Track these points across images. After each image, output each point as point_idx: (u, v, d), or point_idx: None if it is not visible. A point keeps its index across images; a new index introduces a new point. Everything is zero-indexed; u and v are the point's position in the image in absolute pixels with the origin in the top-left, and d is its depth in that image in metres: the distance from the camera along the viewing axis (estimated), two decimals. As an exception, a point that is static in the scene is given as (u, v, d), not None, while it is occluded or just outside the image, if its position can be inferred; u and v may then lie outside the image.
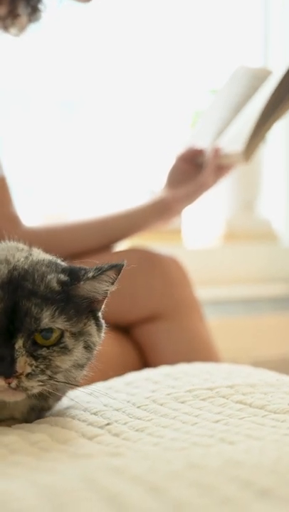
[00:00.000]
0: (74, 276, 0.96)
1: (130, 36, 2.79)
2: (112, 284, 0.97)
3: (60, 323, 0.92)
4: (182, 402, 1.05)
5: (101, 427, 0.92)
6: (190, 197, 1.74)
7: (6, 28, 1.53)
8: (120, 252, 1.74)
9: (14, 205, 1.68)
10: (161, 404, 1.04)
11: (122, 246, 1.81)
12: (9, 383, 0.88)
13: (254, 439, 0.87)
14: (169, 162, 1.81)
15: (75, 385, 0.98)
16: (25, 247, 1.03)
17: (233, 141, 1.70)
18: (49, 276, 0.94)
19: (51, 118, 2.75)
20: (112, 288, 0.98)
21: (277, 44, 2.89)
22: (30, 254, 0.99)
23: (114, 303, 1.02)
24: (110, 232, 1.73)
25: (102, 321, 1.00)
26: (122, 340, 1.65)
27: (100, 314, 0.99)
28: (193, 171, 1.76)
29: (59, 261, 1.02)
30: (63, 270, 0.97)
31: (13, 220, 1.67)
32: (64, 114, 2.79)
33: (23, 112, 2.71)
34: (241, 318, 2.64)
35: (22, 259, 0.96)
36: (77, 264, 1.03)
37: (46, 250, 1.68)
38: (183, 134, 2.70)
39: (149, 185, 2.50)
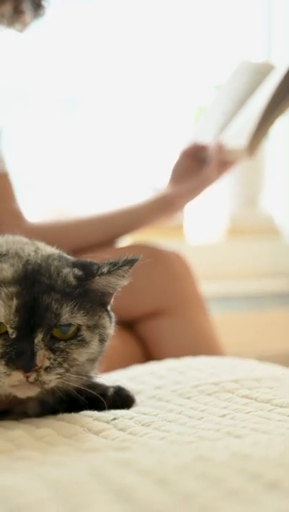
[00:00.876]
0: (87, 270, 0.96)
1: (133, 32, 2.79)
2: (126, 278, 0.97)
3: (78, 318, 0.92)
4: (188, 398, 1.05)
5: (107, 422, 0.92)
6: (193, 192, 1.74)
7: (10, 25, 1.53)
8: (124, 247, 1.74)
9: (17, 200, 1.68)
10: (167, 401, 1.04)
11: (125, 242, 1.81)
12: (27, 377, 0.88)
13: (261, 432, 0.87)
14: (173, 158, 1.81)
15: (87, 378, 0.98)
16: (29, 241, 1.02)
17: (237, 136, 1.70)
18: (64, 271, 0.94)
19: (54, 114, 2.75)
20: (126, 282, 0.98)
21: (281, 39, 2.88)
22: (38, 248, 0.99)
23: (118, 298, 1.02)
24: (113, 227, 1.73)
25: (112, 314, 1.00)
26: (126, 336, 1.66)
27: (109, 307, 0.99)
28: (197, 166, 1.76)
29: (65, 254, 1.02)
30: (75, 264, 0.97)
31: (16, 216, 1.67)
32: (66, 110, 2.79)
33: (26, 108, 2.71)
34: (244, 314, 2.64)
35: (32, 253, 0.96)
36: (85, 257, 1.03)
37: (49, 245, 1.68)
38: (186, 129, 2.70)
39: (152, 182, 2.50)
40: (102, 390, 1.01)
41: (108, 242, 1.73)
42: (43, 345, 0.89)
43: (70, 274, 0.94)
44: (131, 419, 0.94)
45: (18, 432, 0.88)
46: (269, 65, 1.79)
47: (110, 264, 0.96)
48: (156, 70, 2.83)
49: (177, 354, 1.48)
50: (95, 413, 0.96)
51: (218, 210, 2.78)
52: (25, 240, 1.02)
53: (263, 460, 0.68)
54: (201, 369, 1.21)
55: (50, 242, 1.68)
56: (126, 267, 0.97)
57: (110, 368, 1.29)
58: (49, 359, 0.89)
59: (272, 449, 0.74)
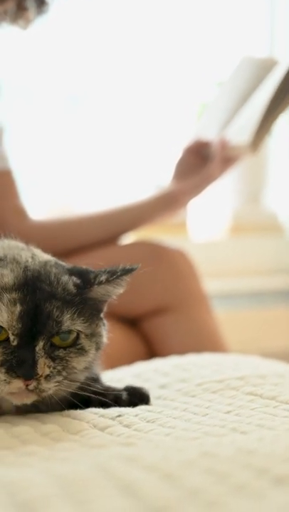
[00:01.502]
0: (85, 279, 0.95)
1: (136, 29, 2.78)
2: (123, 286, 0.97)
3: (78, 326, 0.92)
4: (192, 396, 1.05)
5: (112, 419, 0.92)
6: (197, 189, 1.74)
7: (13, 22, 1.53)
8: (127, 244, 1.74)
9: (20, 197, 1.69)
10: (172, 400, 1.04)
11: (128, 239, 1.81)
12: (27, 385, 0.87)
13: (266, 428, 0.87)
14: (176, 154, 1.81)
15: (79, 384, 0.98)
16: (25, 246, 1.02)
17: (240, 132, 1.70)
18: (63, 278, 0.94)
19: (56, 111, 2.74)
20: (122, 290, 0.98)
21: (284, 35, 2.88)
22: (35, 254, 0.98)
23: (122, 296, 1.01)
24: (117, 224, 1.73)
25: (105, 321, 1.00)
26: (130, 333, 1.65)
27: (102, 315, 0.99)
28: (200, 163, 1.76)
29: (60, 261, 1.01)
30: (72, 272, 0.96)
31: (19, 213, 1.67)
32: (69, 107, 2.79)
33: (29, 105, 2.71)
34: (247, 311, 2.64)
35: (30, 260, 0.95)
36: (73, 262, 1.03)
37: (53, 243, 1.69)
38: (189, 126, 2.70)
39: (155, 179, 2.50)
40: (115, 395, 1.01)
41: (111, 239, 1.73)
42: (43, 353, 0.89)
43: (69, 281, 0.94)
44: (136, 416, 0.94)
45: (23, 428, 0.88)
46: (272, 60, 1.78)
47: (108, 272, 0.96)
48: (159, 66, 2.83)
49: (181, 351, 1.48)
50: (100, 410, 0.96)
51: (221, 208, 2.78)
52: (21, 245, 1.02)
53: (268, 455, 0.68)
54: (206, 366, 1.21)
55: (53, 239, 1.69)
56: (125, 277, 0.96)
57: (114, 365, 1.29)
58: (49, 367, 0.89)
59: (277, 445, 0.73)
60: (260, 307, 2.67)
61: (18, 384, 0.87)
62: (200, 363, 1.24)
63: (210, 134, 1.77)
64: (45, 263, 0.96)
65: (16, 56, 2.53)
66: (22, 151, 2.60)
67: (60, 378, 0.90)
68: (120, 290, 0.97)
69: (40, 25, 1.65)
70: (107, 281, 0.95)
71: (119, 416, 0.93)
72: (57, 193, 2.73)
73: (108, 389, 1.01)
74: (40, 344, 0.88)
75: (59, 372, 0.90)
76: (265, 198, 2.84)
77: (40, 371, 0.87)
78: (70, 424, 0.90)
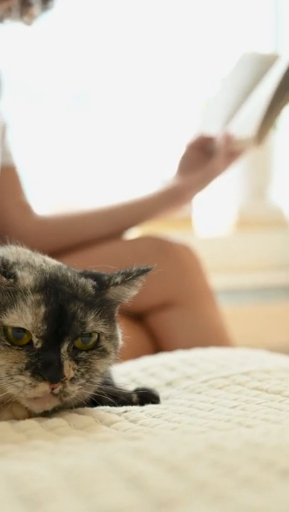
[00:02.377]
0: (100, 281, 0.95)
1: (139, 26, 2.78)
2: (138, 287, 0.97)
3: (101, 327, 0.92)
4: (198, 393, 1.05)
5: (118, 414, 0.93)
6: (201, 183, 1.74)
7: (17, 18, 1.53)
8: (132, 239, 1.74)
9: (26, 193, 1.69)
10: (178, 398, 1.04)
11: (134, 234, 1.81)
12: (53, 389, 0.86)
13: (272, 422, 0.87)
14: (180, 150, 1.80)
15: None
16: (32, 252, 1.01)
17: (244, 126, 1.69)
18: (81, 281, 0.93)
19: (61, 108, 2.74)
20: (136, 292, 0.98)
21: (288, 30, 2.87)
22: (45, 259, 0.98)
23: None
24: (122, 219, 1.73)
25: (117, 324, 0.99)
26: (136, 328, 1.66)
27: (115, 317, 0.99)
28: (204, 158, 1.76)
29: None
30: (85, 275, 0.96)
31: (25, 209, 1.67)
32: (74, 104, 2.79)
33: (33, 102, 2.71)
34: (253, 306, 2.64)
35: (43, 263, 0.95)
36: (79, 258, 1.03)
37: (58, 238, 1.69)
38: (193, 122, 2.70)
39: (160, 175, 2.49)
40: (125, 397, 1.01)
41: (116, 234, 1.73)
42: (68, 356, 0.88)
43: (87, 283, 0.93)
44: (142, 411, 0.94)
45: (29, 422, 0.88)
46: (273, 55, 1.78)
47: (123, 274, 0.95)
48: (163, 63, 2.83)
49: (186, 346, 1.48)
50: (107, 407, 0.96)
51: (227, 203, 2.77)
52: (28, 251, 1.01)
53: (275, 449, 0.68)
54: (212, 361, 1.21)
55: (58, 235, 1.70)
56: (140, 277, 0.96)
57: (120, 359, 1.29)
58: (74, 370, 0.88)
59: (284, 439, 0.73)
60: (265, 302, 2.67)
61: (43, 387, 0.86)
62: (206, 357, 1.24)
63: (213, 129, 1.77)
64: (59, 267, 0.96)
65: (21, 53, 2.53)
66: (27, 148, 2.61)
67: (83, 381, 0.89)
68: (135, 291, 0.97)
69: (45, 21, 1.65)
70: (123, 282, 0.95)
71: (125, 412, 0.93)
72: (61, 189, 2.73)
73: (120, 391, 1.01)
74: (65, 346, 0.87)
75: (82, 375, 0.89)
76: (271, 193, 2.84)
77: (66, 373, 0.86)
78: (76, 419, 0.90)
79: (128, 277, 0.95)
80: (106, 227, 1.71)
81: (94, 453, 0.71)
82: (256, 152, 2.54)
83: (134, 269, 0.96)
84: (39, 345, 0.86)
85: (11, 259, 0.94)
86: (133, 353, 1.46)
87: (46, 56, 2.67)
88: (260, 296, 2.67)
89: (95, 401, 0.97)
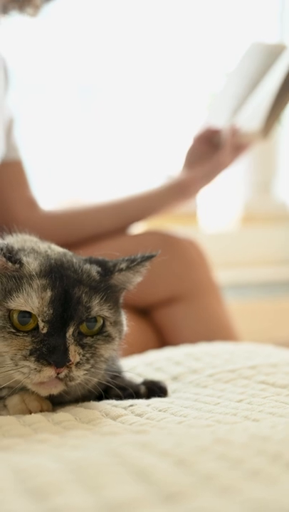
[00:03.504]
0: (105, 267, 0.95)
1: (146, 20, 2.78)
2: (143, 274, 0.98)
3: (106, 312, 0.92)
4: (204, 387, 1.05)
5: (124, 408, 0.93)
6: (207, 177, 1.73)
7: (21, 9, 1.52)
8: (138, 234, 1.74)
9: (31, 188, 1.68)
10: (184, 392, 1.04)
11: (139, 228, 1.81)
12: (58, 373, 0.86)
13: (278, 416, 0.87)
14: (186, 144, 1.80)
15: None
16: (38, 239, 1.02)
17: (250, 119, 1.69)
18: (86, 266, 0.94)
19: (68, 103, 2.74)
20: (140, 278, 0.98)
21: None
22: (50, 246, 0.98)
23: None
24: (128, 213, 1.72)
25: (122, 310, 0.99)
26: (141, 322, 1.65)
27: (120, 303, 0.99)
28: (211, 151, 1.75)
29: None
30: (90, 261, 0.96)
31: (30, 203, 1.67)
32: (80, 99, 2.79)
33: (41, 97, 2.71)
34: (258, 301, 2.64)
35: (48, 250, 0.95)
36: (85, 252, 1.03)
37: (64, 233, 1.69)
38: (199, 115, 2.69)
39: (166, 170, 2.49)
40: (133, 389, 1.01)
41: (123, 228, 1.73)
42: (73, 340, 0.88)
43: (92, 269, 0.94)
44: (148, 405, 0.94)
45: (36, 417, 0.88)
46: (281, 45, 1.77)
47: (128, 260, 0.96)
48: (170, 57, 2.82)
49: (192, 340, 1.48)
50: (113, 401, 0.96)
51: (232, 198, 2.77)
52: (34, 238, 1.02)
53: (282, 441, 0.68)
54: (217, 355, 1.21)
55: (64, 229, 1.69)
56: (145, 263, 0.97)
57: (126, 353, 1.29)
58: (79, 354, 0.88)
59: (290, 432, 0.73)
60: (271, 297, 2.67)
61: (49, 372, 0.86)
62: (212, 351, 1.24)
63: (220, 122, 1.76)
64: (64, 253, 0.96)
65: (30, 47, 2.53)
66: (33, 143, 2.60)
67: (88, 366, 0.90)
68: (139, 278, 0.98)
69: (50, 14, 1.65)
70: (128, 268, 0.96)
71: (131, 406, 0.93)
72: (67, 184, 2.73)
73: (128, 384, 1.01)
74: (71, 330, 0.88)
75: (87, 360, 0.90)
76: (276, 188, 2.83)
77: (72, 358, 0.87)
78: (83, 413, 0.90)
79: (133, 263, 0.96)
80: (112, 222, 1.71)
81: (100, 446, 0.71)
82: (261, 148, 2.54)
83: (139, 255, 0.97)
84: (45, 330, 0.87)
85: (16, 246, 0.94)
86: (139, 348, 1.46)
87: (52, 50, 2.66)
88: (266, 291, 2.67)
89: (101, 394, 0.97)
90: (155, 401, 0.97)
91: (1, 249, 0.89)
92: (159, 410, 0.92)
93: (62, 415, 0.89)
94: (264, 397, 0.97)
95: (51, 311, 0.87)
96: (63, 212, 1.72)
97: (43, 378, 0.86)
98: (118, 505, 0.54)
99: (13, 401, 0.92)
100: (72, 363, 0.87)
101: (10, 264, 0.89)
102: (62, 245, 0.99)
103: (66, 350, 0.86)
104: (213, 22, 2.87)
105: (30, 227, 1.63)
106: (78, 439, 0.78)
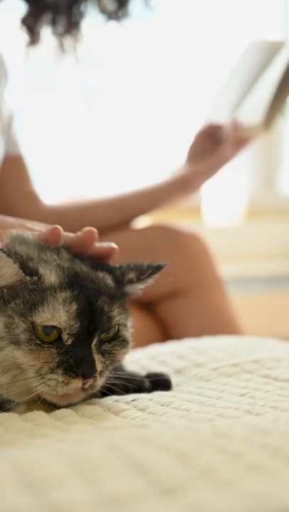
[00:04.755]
0: (112, 275, 0.94)
1: (148, 18, 2.77)
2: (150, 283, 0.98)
3: (123, 319, 0.92)
4: (207, 381, 1.05)
5: (127, 403, 0.92)
6: (210, 171, 1.73)
7: None
8: (142, 228, 1.74)
9: (33, 183, 1.68)
10: (188, 385, 1.04)
11: (143, 223, 1.81)
12: (84, 384, 0.86)
13: (280, 410, 0.86)
14: (189, 139, 1.80)
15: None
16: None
17: (252, 113, 1.69)
18: (99, 275, 0.93)
19: (71, 98, 2.74)
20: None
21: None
22: (72, 261, 0.95)
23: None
24: (130, 208, 1.72)
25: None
26: (145, 316, 1.65)
27: None
28: (213, 146, 1.75)
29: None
30: (96, 268, 0.95)
31: (32, 199, 1.67)
32: (84, 95, 2.79)
33: (44, 93, 2.71)
34: (263, 295, 2.63)
35: (56, 258, 0.92)
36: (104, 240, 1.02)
37: (66, 228, 1.68)
38: (202, 111, 2.69)
39: (169, 164, 2.49)
40: (137, 384, 1.01)
41: (125, 223, 1.72)
42: (96, 350, 0.88)
43: (106, 277, 0.93)
44: (150, 400, 0.94)
45: (37, 412, 0.88)
46: (280, 42, 1.77)
47: (136, 270, 0.96)
48: (172, 53, 2.82)
49: (196, 334, 1.48)
50: (115, 396, 0.96)
51: (236, 192, 2.76)
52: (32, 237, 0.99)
53: (283, 435, 0.68)
54: (221, 349, 1.21)
55: (66, 223, 1.68)
56: (155, 275, 0.97)
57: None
58: (101, 363, 0.88)
59: (292, 426, 0.73)
60: (275, 291, 2.66)
61: (76, 384, 0.85)
62: (215, 345, 1.24)
63: (222, 117, 1.77)
64: (72, 259, 0.94)
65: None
66: (37, 139, 2.60)
67: (107, 373, 0.90)
68: (146, 286, 0.98)
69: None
70: (138, 280, 0.95)
71: (133, 400, 0.93)
72: (71, 180, 2.73)
73: (131, 377, 1.01)
74: (95, 341, 0.87)
75: (107, 367, 0.90)
76: (280, 181, 2.83)
77: (98, 368, 0.87)
78: (85, 408, 0.90)
79: (142, 275, 0.96)
80: (115, 216, 1.71)
81: (101, 440, 0.70)
82: (265, 141, 2.54)
83: (146, 265, 0.97)
84: (69, 342, 0.86)
85: (20, 251, 0.91)
86: (142, 342, 1.46)
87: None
88: (270, 285, 2.66)
89: (105, 390, 0.97)
90: (157, 395, 0.97)
91: (20, 263, 0.87)
92: (162, 405, 0.92)
93: (65, 411, 0.88)
94: (267, 391, 0.97)
95: (78, 324, 0.86)
96: (65, 206, 1.72)
97: (70, 390, 0.86)
98: (117, 499, 0.54)
99: (20, 410, 0.92)
100: (98, 373, 0.87)
101: (28, 278, 0.87)
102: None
103: (93, 361, 0.86)
104: (216, 19, 2.87)
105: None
106: (80, 433, 0.78)
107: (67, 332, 0.86)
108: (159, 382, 1.02)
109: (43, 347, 0.85)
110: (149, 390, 1.00)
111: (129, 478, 0.58)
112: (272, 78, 1.67)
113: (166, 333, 1.68)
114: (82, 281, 0.89)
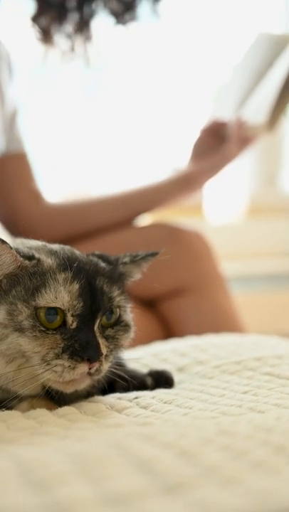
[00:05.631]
0: (106, 260, 0.95)
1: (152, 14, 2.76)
2: (143, 271, 0.98)
3: (122, 301, 0.92)
4: (210, 378, 1.05)
5: (129, 400, 0.93)
6: (214, 169, 1.73)
7: None
8: (144, 226, 1.74)
9: (36, 181, 1.68)
10: (190, 383, 1.04)
11: (145, 221, 1.80)
12: (90, 368, 0.86)
13: (283, 407, 0.86)
14: (193, 137, 1.80)
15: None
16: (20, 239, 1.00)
17: (256, 111, 1.68)
18: (94, 259, 0.93)
19: (74, 96, 2.74)
20: (139, 276, 0.99)
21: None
22: (45, 244, 0.96)
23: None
24: (133, 206, 1.72)
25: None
26: (147, 314, 1.65)
27: None
28: (217, 143, 1.75)
29: None
30: (91, 255, 0.96)
31: (35, 196, 1.67)
32: (87, 92, 2.78)
33: (47, 90, 2.71)
34: (265, 293, 2.63)
35: (54, 247, 0.94)
36: (90, 244, 1.03)
37: (69, 225, 1.69)
38: (206, 108, 2.69)
39: (172, 162, 2.49)
40: (139, 381, 1.01)
41: (128, 220, 1.72)
42: (99, 333, 0.87)
43: (99, 261, 0.93)
44: (153, 398, 0.94)
45: (40, 410, 0.88)
46: (287, 36, 1.76)
47: (131, 255, 0.96)
48: (177, 50, 2.81)
49: (198, 332, 1.48)
50: (118, 394, 0.96)
51: (238, 190, 2.76)
52: (31, 240, 0.99)
53: (286, 433, 0.68)
54: (223, 347, 1.21)
55: (69, 222, 1.69)
56: (149, 258, 0.97)
57: (132, 345, 1.29)
58: (106, 347, 0.88)
59: (295, 423, 0.73)
60: (277, 289, 2.66)
61: (83, 368, 0.85)
62: (217, 343, 1.24)
63: (226, 115, 1.76)
64: (70, 249, 0.95)
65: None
66: (40, 136, 2.60)
67: (111, 358, 0.90)
68: (139, 275, 0.98)
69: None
70: (132, 261, 0.96)
71: (136, 398, 0.93)
72: (74, 178, 2.73)
73: (134, 375, 1.01)
74: (97, 323, 0.87)
75: (111, 352, 0.89)
76: (282, 180, 2.83)
77: (103, 351, 0.86)
78: (87, 406, 0.90)
79: (136, 258, 0.96)
80: (117, 214, 1.71)
81: (104, 438, 0.70)
82: (267, 140, 2.53)
83: (141, 252, 0.97)
84: (74, 325, 0.86)
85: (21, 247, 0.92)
86: (144, 340, 1.46)
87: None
88: (272, 283, 2.66)
89: (106, 388, 0.97)
90: (160, 393, 0.97)
91: (16, 250, 0.87)
92: (164, 402, 0.92)
93: (67, 409, 0.88)
94: (269, 388, 0.97)
95: (81, 304, 0.86)
96: (68, 204, 1.72)
97: (77, 375, 0.85)
98: (121, 497, 0.54)
99: (22, 408, 0.91)
100: (103, 356, 0.87)
101: (27, 261, 0.87)
102: (67, 237, 0.99)
103: (98, 344, 0.86)
104: (220, 13, 2.86)
105: (35, 219, 1.65)
106: (83, 431, 0.78)
107: (70, 313, 0.86)
108: (162, 380, 1.02)
109: (47, 333, 0.85)
110: (152, 388, 1.00)
111: (133, 476, 0.58)
112: (277, 76, 1.66)
113: (168, 331, 1.68)
114: (78, 263, 0.89)
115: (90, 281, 0.88)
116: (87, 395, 0.95)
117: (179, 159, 1.88)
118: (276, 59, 1.71)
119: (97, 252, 0.97)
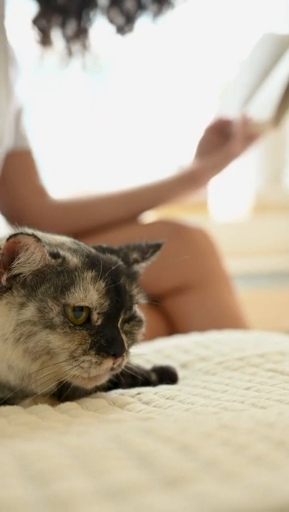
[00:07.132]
0: (117, 256, 0.95)
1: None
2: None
3: (141, 299, 0.93)
4: (213, 375, 1.05)
5: (132, 396, 0.93)
6: (218, 167, 1.73)
7: None
8: (148, 223, 1.74)
9: (41, 177, 1.68)
10: (193, 379, 1.04)
11: (150, 218, 1.80)
12: (114, 363, 0.87)
13: (285, 403, 0.86)
14: (198, 134, 1.79)
15: None
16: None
17: (261, 109, 1.68)
18: (113, 257, 0.93)
19: (79, 93, 2.74)
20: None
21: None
22: (74, 241, 0.97)
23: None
24: (138, 203, 1.72)
25: None
26: (151, 311, 1.65)
27: None
28: (222, 141, 1.74)
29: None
30: (102, 250, 0.96)
31: (40, 193, 1.67)
32: (92, 89, 2.78)
33: (50, 87, 2.71)
34: (270, 290, 2.63)
35: (68, 242, 0.94)
36: (95, 241, 1.03)
37: (73, 222, 1.69)
38: (211, 106, 2.68)
39: (177, 159, 2.48)
40: (143, 377, 1.01)
41: (133, 217, 1.72)
42: (121, 329, 0.89)
43: (117, 258, 0.94)
44: (155, 393, 0.94)
45: (42, 406, 0.88)
46: None
47: (138, 250, 0.97)
48: (182, 47, 2.81)
49: (202, 329, 1.48)
50: (120, 390, 0.96)
51: (243, 187, 2.76)
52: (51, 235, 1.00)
53: (287, 428, 0.68)
54: (226, 343, 1.20)
55: (74, 218, 1.69)
56: (157, 253, 0.98)
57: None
58: (127, 342, 0.89)
59: (297, 419, 0.73)
60: (282, 286, 2.66)
61: (108, 363, 0.86)
62: (221, 339, 1.24)
63: (232, 112, 1.76)
64: (83, 245, 0.95)
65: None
66: (44, 133, 2.60)
67: (130, 353, 0.91)
68: (147, 265, 0.99)
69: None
70: (143, 259, 0.97)
71: (138, 394, 0.93)
72: (78, 175, 2.73)
73: (138, 371, 1.01)
74: (120, 320, 0.89)
75: (129, 347, 0.91)
76: (287, 177, 2.82)
77: (126, 347, 0.88)
78: (89, 402, 0.90)
79: (146, 255, 0.97)
80: (122, 211, 1.71)
81: (105, 432, 0.70)
82: (273, 137, 2.53)
83: (145, 245, 0.99)
84: (99, 322, 0.87)
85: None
86: (148, 336, 1.45)
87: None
88: (277, 280, 2.66)
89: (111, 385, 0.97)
90: (163, 389, 0.97)
91: (44, 246, 0.87)
92: (167, 398, 0.92)
93: (69, 404, 0.88)
94: (272, 384, 0.97)
95: (108, 302, 0.87)
96: (73, 200, 1.72)
97: (102, 371, 0.87)
98: (120, 490, 0.54)
99: (25, 404, 0.91)
100: (126, 352, 0.88)
101: (53, 260, 0.87)
102: (72, 234, 0.98)
103: (122, 340, 0.87)
104: (226, 11, 2.86)
105: (40, 215, 1.65)
106: (84, 426, 0.78)
107: (97, 311, 0.87)
108: (165, 375, 1.03)
109: (76, 329, 0.86)
110: (156, 383, 1.00)
111: (132, 470, 0.58)
112: (282, 73, 1.66)
113: (172, 327, 1.67)
114: (101, 262, 0.89)
115: (114, 279, 0.88)
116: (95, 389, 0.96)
117: (183, 157, 1.87)
118: (281, 57, 1.71)
119: (103, 247, 0.97)
